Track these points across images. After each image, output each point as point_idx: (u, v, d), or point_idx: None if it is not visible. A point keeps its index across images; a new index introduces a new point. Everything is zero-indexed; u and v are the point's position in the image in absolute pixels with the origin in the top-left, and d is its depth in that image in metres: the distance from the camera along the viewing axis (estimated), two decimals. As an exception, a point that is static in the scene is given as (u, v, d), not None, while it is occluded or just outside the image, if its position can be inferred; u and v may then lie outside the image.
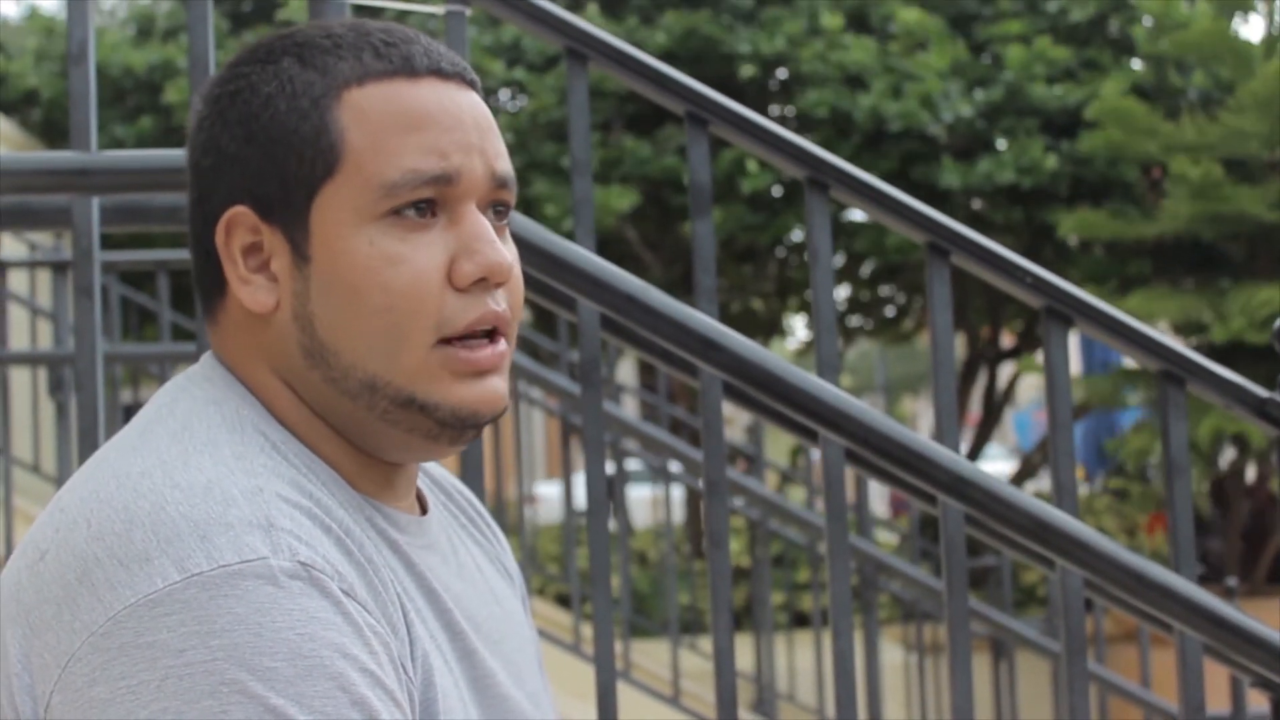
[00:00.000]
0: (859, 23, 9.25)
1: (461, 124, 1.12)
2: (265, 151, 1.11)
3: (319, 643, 0.97)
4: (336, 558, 1.03)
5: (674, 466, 6.03)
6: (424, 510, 1.22)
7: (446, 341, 1.10)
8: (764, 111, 9.25)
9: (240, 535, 0.99)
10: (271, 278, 1.12)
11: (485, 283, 1.11)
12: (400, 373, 1.10)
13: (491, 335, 1.12)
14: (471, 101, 1.14)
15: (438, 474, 1.33)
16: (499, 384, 1.13)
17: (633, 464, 8.61)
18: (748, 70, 8.65)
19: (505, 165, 1.14)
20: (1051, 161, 8.64)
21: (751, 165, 8.59)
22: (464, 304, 1.10)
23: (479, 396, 1.12)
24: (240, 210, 1.12)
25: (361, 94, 1.11)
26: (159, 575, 0.97)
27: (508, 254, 1.12)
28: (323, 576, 1.00)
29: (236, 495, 1.02)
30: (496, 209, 1.14)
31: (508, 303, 1.13)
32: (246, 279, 1.12)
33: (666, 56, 8.53)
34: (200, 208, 1.15)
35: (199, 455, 1.05)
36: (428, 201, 1.10)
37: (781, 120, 9.41)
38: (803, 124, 9.25)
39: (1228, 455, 9.16)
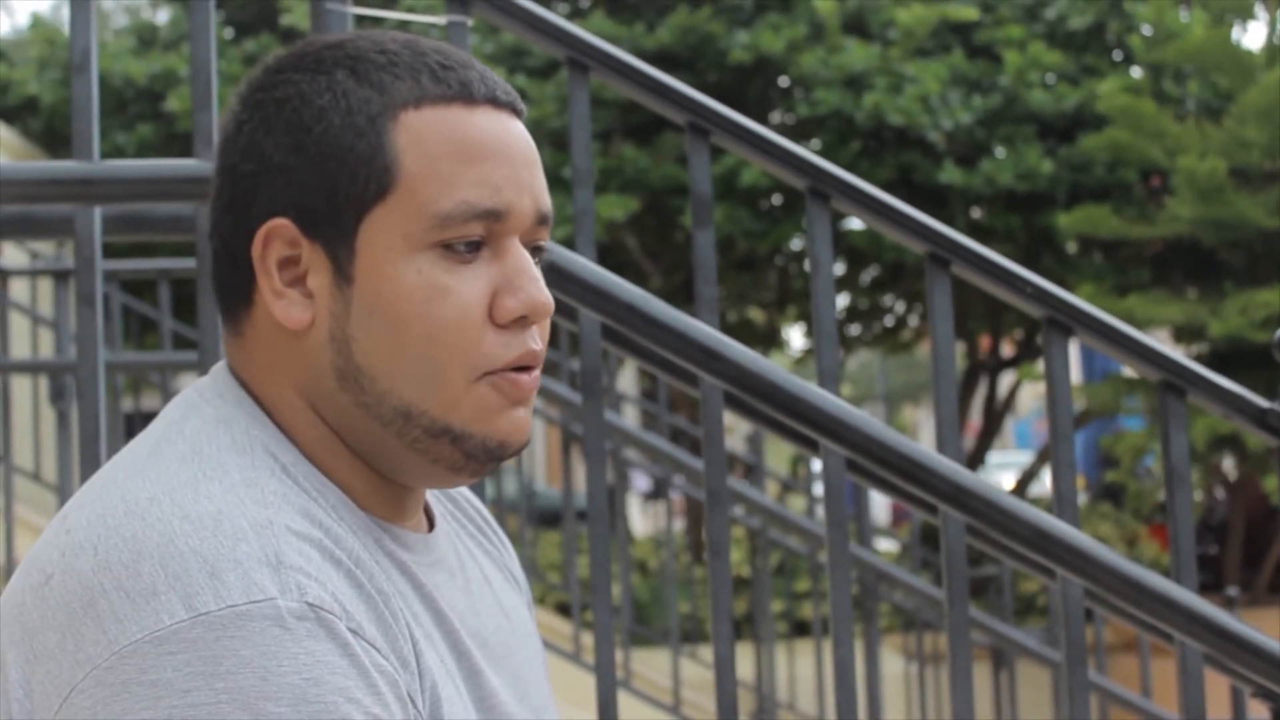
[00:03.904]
0: (858, 28, 9.27)
1: (513, 158, 1.10)
2: (315, 165, 1.08)
3: (325, 688, 0.96)
4: (346, 593, 1.01)
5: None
6: (431, 524, 1.21)
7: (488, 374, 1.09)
8: (765, 118, 9.26)
9: (249, 573, 0.98)
10: (307, 293, 1.09)
11: (525, 320, 1.09)
12: (437, 404, 1.08)
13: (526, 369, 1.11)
14: (521, 133, 1.12)
15: None
16: (526, 416, 1.11)
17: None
18: (740, 55, 8.63)
19: (547, 201, 1.13)
20: (1048, 167, 8.67)
21: (752, 161, 8.62)
22: (504, 341, 1.08)
23: (511, 427, 1.10)
24: (282, 223, 1.09)
25: (419, 117, 1.08)
26: (165, 612, 0.96)
27: (548, 293, 1.10)
28: (330, 617, 0.99)
29: (246, 529, 1.00)
30: (533, 247, 1.13)
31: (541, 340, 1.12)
32: (281, 293, 1.09)
33: (664, 55, 8.53)
34: (233, 213, 1.11)
35: (208, 482, 1.03)
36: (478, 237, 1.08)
37: (782, 127, 9.42)
38: (804, 129, 9.26)
39: (1228, 462, 9.15)
